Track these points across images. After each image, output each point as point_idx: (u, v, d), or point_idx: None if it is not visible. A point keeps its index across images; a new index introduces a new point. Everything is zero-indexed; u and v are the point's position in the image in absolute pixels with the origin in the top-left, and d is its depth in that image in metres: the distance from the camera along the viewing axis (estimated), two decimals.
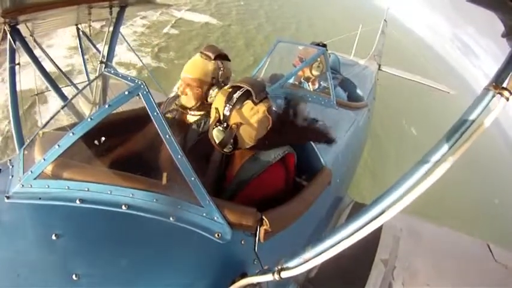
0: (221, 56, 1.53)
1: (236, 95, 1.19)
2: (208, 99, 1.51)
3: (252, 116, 1.20)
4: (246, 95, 1.19)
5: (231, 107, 1.19)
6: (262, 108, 1.21)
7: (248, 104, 1.19)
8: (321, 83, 2.61)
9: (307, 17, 16.67)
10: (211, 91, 1.50)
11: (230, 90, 1.22)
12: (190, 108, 1.54)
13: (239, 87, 1.21)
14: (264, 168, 1.23)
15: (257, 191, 1.23)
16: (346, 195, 2.20)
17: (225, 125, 1.20)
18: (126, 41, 3.43)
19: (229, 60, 1.59)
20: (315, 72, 2.56)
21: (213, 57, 1.49)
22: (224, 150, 1.24)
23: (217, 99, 1.24)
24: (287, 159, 1.31)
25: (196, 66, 1.49)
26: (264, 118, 1.23)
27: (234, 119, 1.19)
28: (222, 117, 1.20)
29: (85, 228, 0.94)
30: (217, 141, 1.22)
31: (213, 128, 1.22)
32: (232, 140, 1.21)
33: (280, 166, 1.29)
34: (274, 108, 1.36)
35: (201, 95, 1.50)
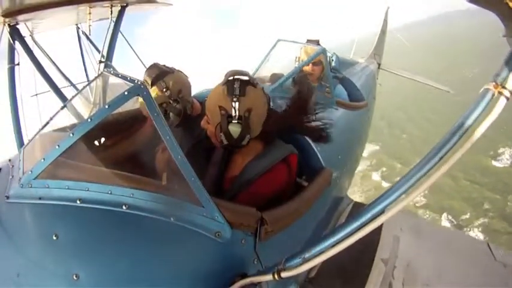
0: (162, 75, 1.50)
1: (237, 85, 1.21)
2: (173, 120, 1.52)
3: (257, 98, 1.24)
4: (245, 83, 1.23)
5: (237, 97, 1.20)
6: (260, 88, 1.27)
7: (250, 88, 1.22)
8: (322, 82, 2.62)
9: None
10: (169, 112, 1.51)
11: (225, 85, 1.23)
12: None
13: (233, 80, 1.24)
14: (268, 168, 1.23)
15: (260, 190, 1.23)
16: (346, 196, 2.20)
17: (237, 117, 1.21)
18: (127, 41, 3.43)
19: (172, 72, 1.55)
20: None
21: (150, 82, 1.47)
22: (242, 143, 1.24)
23: (214, 99, 1.24)
24: (290, 160, 1.30)
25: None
26: (265, 98, 1.28)
27: (244, 107, 1.21)
28: (232, 111, 1.21)
29: (85, 228, 0.94)
30: (235, 137, 1.22)
31: (227, 126, 1.21)
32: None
33: (284, 166, 1.28)
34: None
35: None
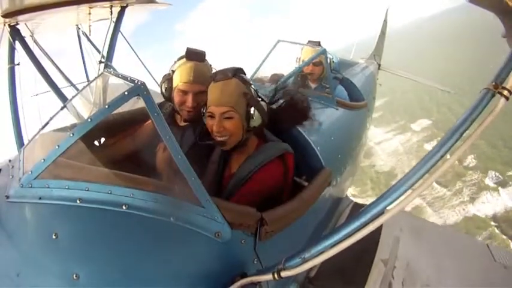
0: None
1: (231, 70, 1.30)
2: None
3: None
4: (230, 69, 1.31)
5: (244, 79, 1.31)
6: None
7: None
8: (322, 83, 2.63)
9: None
10: None
11: (232, 76, 1.27)
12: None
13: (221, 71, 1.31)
14: (262, 165, 1.24)
15: (255, 186, 1.24)
16: (346, 196, 2.20)
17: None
18: (127, 41, 3.43)
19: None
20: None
21: (204, 58, 1.48)
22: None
23: (231, 92, 1.26)
24: (286, 158, 1.31)
25: (202, 74, 1.42)
26: None
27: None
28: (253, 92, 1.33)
29: (85, 228, 0.94)
30: (266, 111, 1.33)
31: (259, 105, 1.30)
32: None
33: (279, 164, 1.29)
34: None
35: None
